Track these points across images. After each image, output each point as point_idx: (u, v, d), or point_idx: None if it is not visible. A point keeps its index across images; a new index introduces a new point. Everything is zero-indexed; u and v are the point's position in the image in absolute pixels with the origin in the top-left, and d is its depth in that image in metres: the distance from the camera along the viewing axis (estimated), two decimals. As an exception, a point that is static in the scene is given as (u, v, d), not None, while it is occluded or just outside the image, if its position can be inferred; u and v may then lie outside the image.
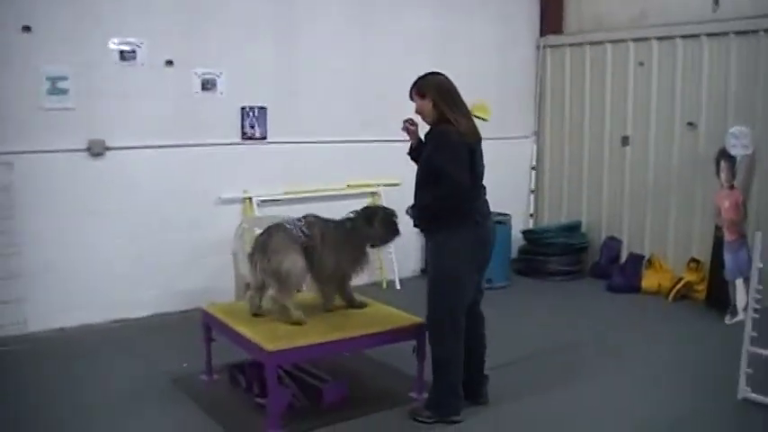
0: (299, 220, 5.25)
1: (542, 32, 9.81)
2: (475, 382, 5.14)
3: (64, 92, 6.69)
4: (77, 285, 6.85)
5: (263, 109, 7.69)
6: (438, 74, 4.95)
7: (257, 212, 7.59)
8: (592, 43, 9.25)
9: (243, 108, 7.59)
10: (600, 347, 6.52)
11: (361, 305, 5.52)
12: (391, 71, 8.20)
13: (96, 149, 6.84)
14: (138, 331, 6.86)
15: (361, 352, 5.90)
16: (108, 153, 6.88)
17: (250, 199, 7.64)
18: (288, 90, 7.88)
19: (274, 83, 7.81)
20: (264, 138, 7.74)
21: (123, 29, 6.94)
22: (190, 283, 7.31)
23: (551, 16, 9.73)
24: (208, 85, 7.37)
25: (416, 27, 8.69)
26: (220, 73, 7.42)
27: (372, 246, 5.41)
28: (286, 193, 7.76)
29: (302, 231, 5.13)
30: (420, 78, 4.93)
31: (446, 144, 4.72)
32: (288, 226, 5.17)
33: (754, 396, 5.22)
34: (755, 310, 5.33)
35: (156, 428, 4.90)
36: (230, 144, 7.57)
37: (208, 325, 5.53)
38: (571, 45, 9.52)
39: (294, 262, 5.02)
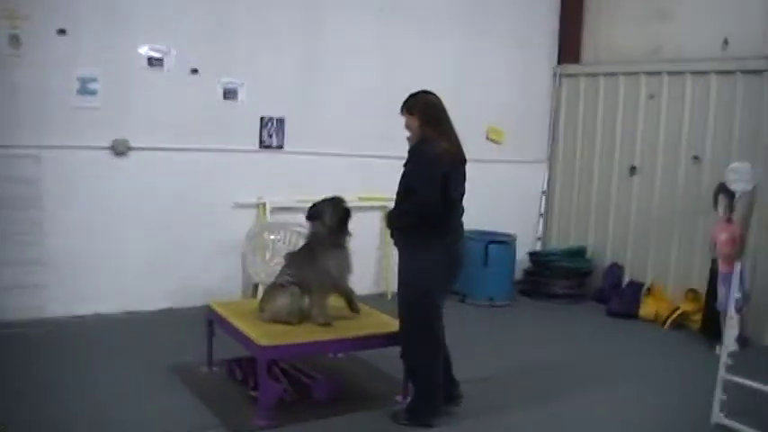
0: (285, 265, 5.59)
1: (559, 61, 10.08)
2: (447, 386, 5.31)
3: (93, 92, 7.10)
4: (95, 276, 7.23)
5: (281, 119, 8.03)
6: (428, 93, 5.12)
7: (270, 218, 7.92)
8: (606, 74, 9.51)
9: (262, 118, 7.95)
10: (588, 369, 6.71)
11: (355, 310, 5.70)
12: (409, 91, 8.49)
13: (120, 148, 7.22)
14: (148, 324, 7.19)
15: (356, 355, 6.20)
16: (131, 152, 7.26)
17: (264, 205, 7.96)
18: (306, 102, 8.22)
19: (294, 95, 8.15)
20: (281, 147, 8.08)
21: (153, 36, 7.34)
22: (202, 280, 7.61)
23: (569, 46, 10.01)
24: (230, 93, 7.74)
25: (437, 50, 8.98)
26: (242, 83, 7.78)
27: (338, 244, 5.45)
28: (298, 202, 8.05)
29: (288, 276, 5.46)
30: (411, 96, 5.11)
31: (419, 162, 4.90)
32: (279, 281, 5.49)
33: (726, 421, 5.39)
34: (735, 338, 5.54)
35: (151, 412, 5.17)
36: (248, 151, 7.91)
37: (211, 320, 5.85)
38: (586, 75, 9.79)
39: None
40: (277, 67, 7.99)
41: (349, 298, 5.62)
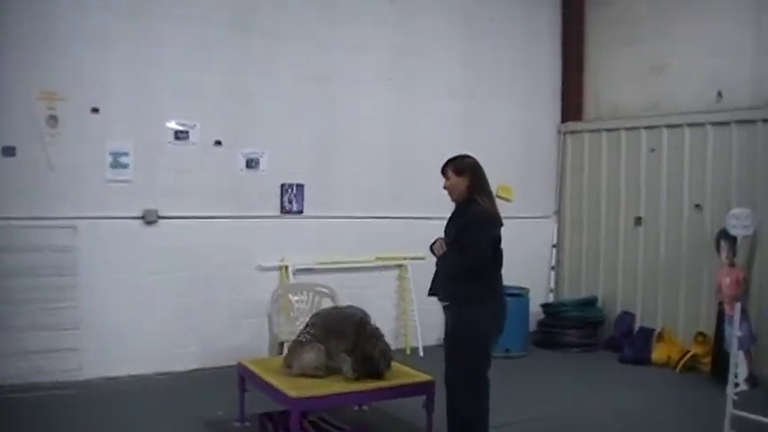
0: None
1: (563, 119, 10.54)
2: None
3: (124, 166, 7.57)
4: (128, 338, 7.58)
5: (300, 186, 8.47)
6: (471, 157, 5.43)
7: (292, 279, 8.29)
8: (608, 130, 9.96)
9: (282, 185, 8.39)
10: (601, 412, 6.97)
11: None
12: (421, 151, 8.99)
13: (150, 217, 7.65)
14: (181, 383, 7.51)
15: (379, 408, 6.49)
16: (161, 221, 7.67)
17: (286, 267, 8.33)
18: (324, 168, 8.67)
19: (312, 162, 8.60)
20: (301, 212, 8.50)
21: (178, 112, 7.83)
22: (229, 340, 7.96)
23: (571, 104, 10.49)
24: (252, 163, 8.19)
25: (445, 110, 9.48)
26: (263, 152, 8.24)
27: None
28: (318, 263, 8.45)
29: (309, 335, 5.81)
30: (459, 157, 5.41)
31: (473, 220, 5.18)
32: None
33: (736, 456, 5.69)
34: (735, 375, 5.82)
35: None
36: (270, 217, 8.33)
37: (242, 376, 6.17)
38: (589, 131, 10.24)
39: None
40: (295, 137, 8.46)
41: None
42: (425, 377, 5.87)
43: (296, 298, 7.84)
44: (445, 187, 5.42)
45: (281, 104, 8.36)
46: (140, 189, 7.61)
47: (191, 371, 7.85)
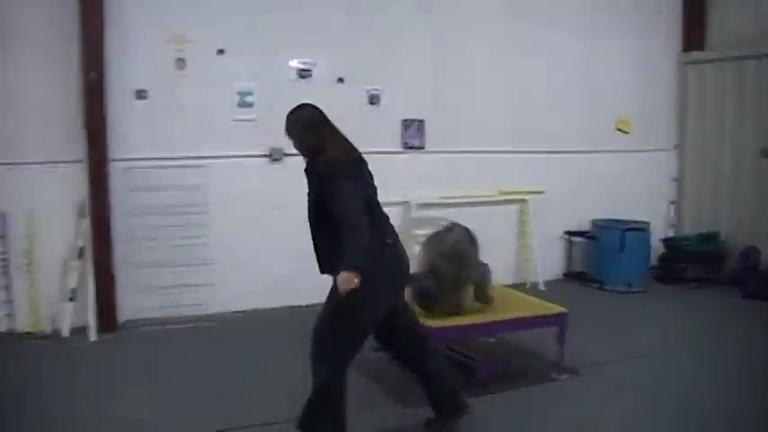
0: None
1: (684, 48, 10.19)
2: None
3: (250, 105, 7.74)
4: (254, 274, 7.86)
5: (421, 121, 8.51)
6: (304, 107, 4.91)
7: (415, 214, 8.38)
8: (733, 59, 9.57)
9: (404, 120, 8.45)
10: (721, 348, 6.83)
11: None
12: (538, 86, 8.92)
13: (276, 156, 7.83)
14: (307, 317, 7.65)
15: (506, 338, 6.58)
16: (286, 159, 7.83)
17: (409, 203, 8.41)
18: (444, 104, 8.66)
19: (432, 97, 8.60)
20: (423, 147, 8.55)
21: (302, 51, 7.93)
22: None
23: (693, 33, 10.12)
24: (374, 99, 8.27)
25: (565, 44, 9.27)
26: (384, 89, 8.29)
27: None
28: (441, 198, 8.51)
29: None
30: (289, 116, 4.84)
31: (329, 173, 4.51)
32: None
33: None
34: None
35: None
36: (392, 153, 8.39)
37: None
38: (712, 61, 9.87)
39: None
40: (415, 73, 8.47)
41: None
42: (559, 308, 5.94)
43: (420, 232, 7.90)
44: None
45: (401, 41, 8.37)
46: (266, 127, 7.73)
47: (315, 304, 8.00)
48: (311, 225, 4.65)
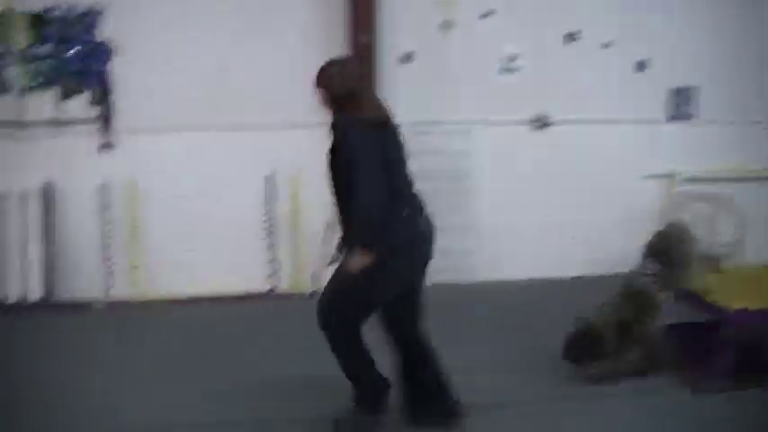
0: None
1: None
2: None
3: (515, 70, 7.57)
4: (517, 242, 7.70)
5: (693, 88, 7.97)
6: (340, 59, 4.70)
7: (679, 189, 7.92)
8: None
9: (672, 89, 7.93)
10: None
11: None
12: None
13: (541, 122, 7.62)
14: (567, 289, 7.43)
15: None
16: (550, 125, 7.61)
17: (674, 176, 7.95)
18: (720, 70, 7.98)
19: (706, 63, 7.97)
20: (691, 116, 8.01)
21: (567, 15, 7.66)
22: (616, 247, 7.59)
23: None
24: (640, 66, 7.83)
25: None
26: (652, 56, 7.82)
27: None
28: (708, 172, 7.98)
29: None
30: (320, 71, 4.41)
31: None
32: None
33: None
34: None
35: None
36: (657, 123, 7.94)
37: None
38: None
39: None
40: (686, 38, 7.90)
41: None
42: None
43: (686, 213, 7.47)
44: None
45: (672, 4, 7.87)
46: (530, 93, 7.59)
47: (574, 278, 7.77)
48: (335, 189, 4.36)
